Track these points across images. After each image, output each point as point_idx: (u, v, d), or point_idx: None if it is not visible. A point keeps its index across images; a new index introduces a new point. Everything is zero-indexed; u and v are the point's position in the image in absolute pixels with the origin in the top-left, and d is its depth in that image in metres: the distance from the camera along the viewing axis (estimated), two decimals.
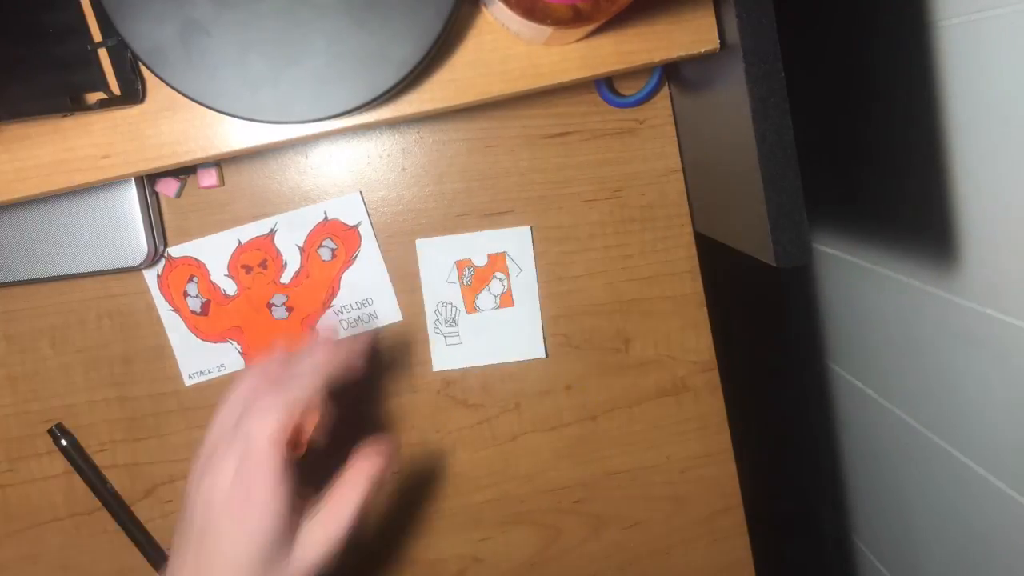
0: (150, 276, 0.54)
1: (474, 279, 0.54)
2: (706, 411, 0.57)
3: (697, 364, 0.57)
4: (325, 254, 0.54)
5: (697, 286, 0.56)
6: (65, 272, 0.51)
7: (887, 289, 0.61)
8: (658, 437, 0.56)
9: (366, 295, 0.55)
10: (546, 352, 0.56)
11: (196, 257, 0.54)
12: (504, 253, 0.54)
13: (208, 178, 0.52)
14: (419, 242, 0.54)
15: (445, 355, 0.55)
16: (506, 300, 0.55)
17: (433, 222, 0.54)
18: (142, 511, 0.56)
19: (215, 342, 0.54)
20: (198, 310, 0.54)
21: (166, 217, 0.53)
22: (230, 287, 0.54)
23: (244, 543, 0.39)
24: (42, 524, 0.55)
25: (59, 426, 0.54)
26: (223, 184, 0.54)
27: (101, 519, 0.55)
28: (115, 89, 0.40)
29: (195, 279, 0.54)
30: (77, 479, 0.55)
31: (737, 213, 0.46)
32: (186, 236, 0.54)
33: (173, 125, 0.41)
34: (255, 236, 0.54)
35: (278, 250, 0.54)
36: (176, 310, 0.54)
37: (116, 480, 0.55)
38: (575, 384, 0.56)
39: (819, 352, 0.79)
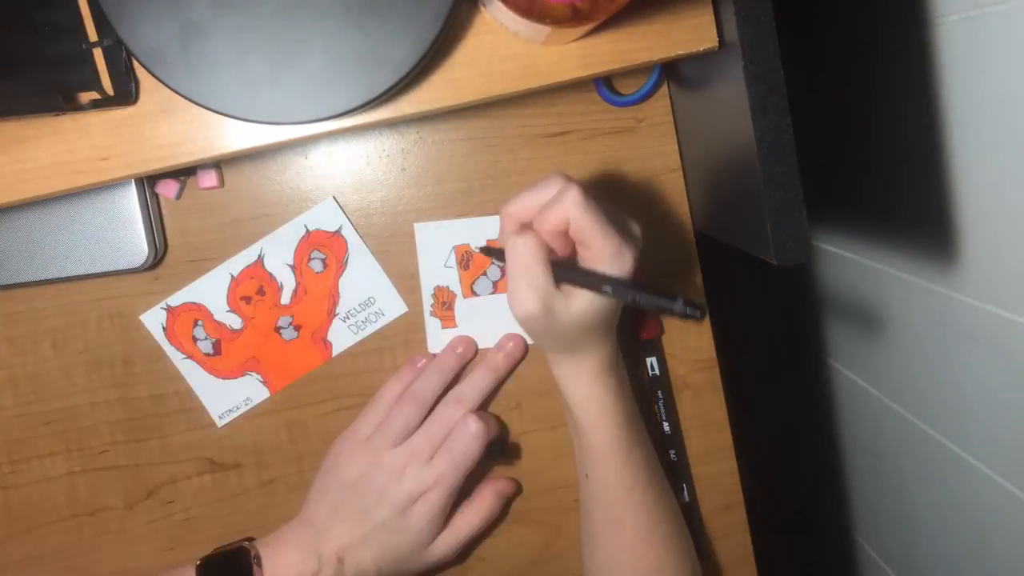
0: (156, 330, 0.54)
1: (473, 264, 0.54)
2: (707, 409, 0.57)
3: (698, 362, 0.57)
4: (317, 266, 0.54)
5: (697, 284, 0.56)
6: (66, 274, 0.51)
7: (887, 286, 0.61)
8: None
9: (367, 295, 0.55)
10: None
11: (194, 301, 0.54)
12: None
13: (208, 179, 0.52)
14: (417, 225, 0.54)
15: (441, 338, 0.55)
16: (503, 286, 0.55)
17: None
18: (144, 512, 0.56)
19: (235, 378, 0.55)
20: (211, 351, 0.54)
21: (166, 219, 0.53)
22: (235, 321, 0.54)
23: (408, 544, 0.51)
24: (45, 525, 0.56)
25: None
26: (223, 185, 0.54)
27: (103, 519, 0.56)
28: (108, 89, 0.40)
29: (200, 322, 0.54)
30: (78, 479, 0.55)
31: (737, 211, 0.46)
32: (187, 237, 0.54)
33: (172, 127, 0.41)
34: (245, 266, 0.54)
35: (271, 274, 0.54)
36: (190, 356, 0.54)
37: (118, 482, 0.55)
38: None
39: (820, 349, 0.79)
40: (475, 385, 0.53)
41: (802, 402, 0.88)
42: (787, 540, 0.94)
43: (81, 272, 0.51)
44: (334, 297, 0.54)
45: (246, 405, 0.55)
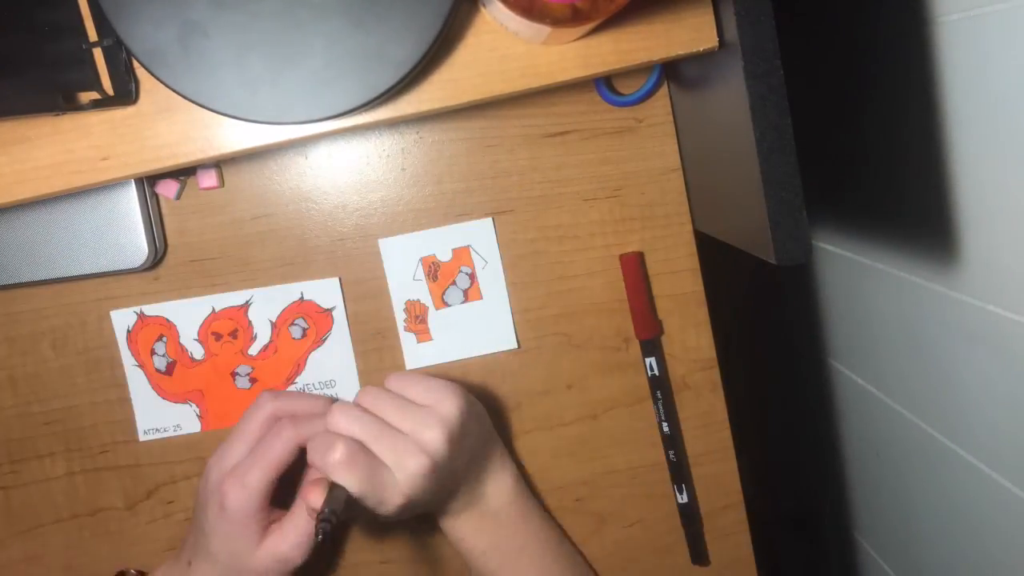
0: (120, 331, 0.54)
1: (440, 274, 0.54)
2: (707, 409, 0.57)
3: (698, 362, 0.57)
4: (296, 332, 0.54)
5: (697, 284, 0.56)
6: (66, 274, 0.51)
7: (888, 286, 0.61)
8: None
9: (330, 377, 0.55)
10: (518, 342, 0.55)
11: (168, 318, 0.54)
12: (468, 247, 0.54)
13: (208, 179, 0.52)
14: (381, 242, 0.54)
15: (417, 353, 0.55)
16: (473, 294, 0.55)
17: (433, 222, 0.54)
18: (144, 511, 0.56)
19: (175, 402, 0.55)
20: (163, 369, 0.54)
21: (166, 219, 0.53)
22: (198, 351, 0.54)
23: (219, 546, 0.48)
24: (44, 525, 0.56)
25: None
26: (223, 185, 0.54)
27: (103, 519, 0.56)
28: (108, 89, 0.40)
29: (164, 339, 0.54)
30: (78, 479, 0.55)
31: (737, 211, 0.46)
32: (187, 237, 0.54)
33: (172, 126, 0.41)
34: (230, 306, 0.54)
35: (250, 322, 0.54)
36: (141, 366, 0.54)
37: (118, 481, 0.55)
38: (576, 383, 0.56)
39: (820, 349, 0.79)
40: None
41: (802, 401, 0.88)
42: (787, 540, 0.94)
43: (81, 272, 0.51)
44: (299, 366, 0.55)
45: (174, 431, 0.55)
